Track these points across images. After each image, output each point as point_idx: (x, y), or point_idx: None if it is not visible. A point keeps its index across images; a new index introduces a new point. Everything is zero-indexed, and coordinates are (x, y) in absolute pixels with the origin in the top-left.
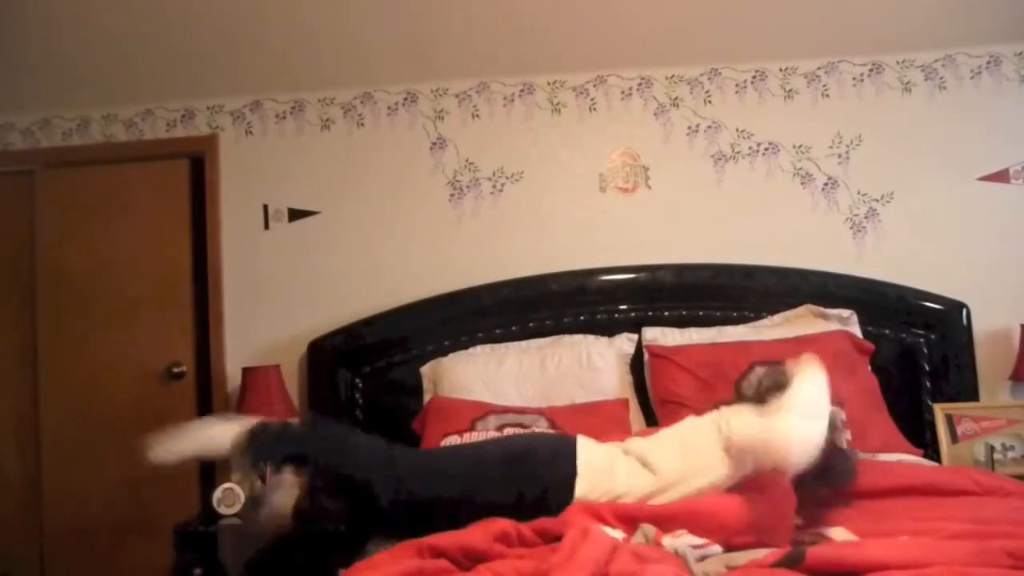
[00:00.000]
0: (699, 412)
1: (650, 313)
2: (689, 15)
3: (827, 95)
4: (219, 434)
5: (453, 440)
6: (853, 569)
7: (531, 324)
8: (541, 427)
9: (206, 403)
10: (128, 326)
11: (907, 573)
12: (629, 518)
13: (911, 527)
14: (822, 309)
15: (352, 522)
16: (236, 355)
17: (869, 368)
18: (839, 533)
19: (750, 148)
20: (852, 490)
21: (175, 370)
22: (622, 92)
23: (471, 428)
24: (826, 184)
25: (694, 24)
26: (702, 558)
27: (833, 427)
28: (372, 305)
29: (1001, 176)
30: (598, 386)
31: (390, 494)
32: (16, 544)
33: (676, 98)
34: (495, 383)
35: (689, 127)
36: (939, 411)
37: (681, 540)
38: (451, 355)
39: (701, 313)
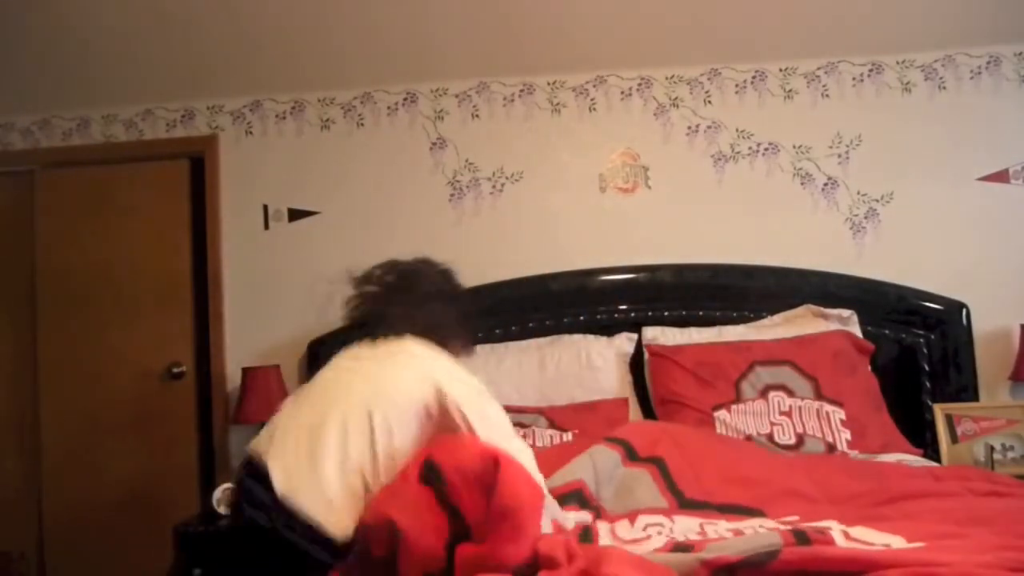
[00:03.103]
0: (695, 410)
1: (650, 313)
2: (689, 15)
3: (827, 95)
4: None
5: None
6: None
7: (531, 324)
8: (541, 426)
9: (206, 403)
10: (128, 326)
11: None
12: None
13: (911, 525)
14: (822, 309)
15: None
16: (236, 355)
17: (869, 368)
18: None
19: (750, 148)
20: None
21: (175, 370)
22: (622, 92)
23: None
24: (826, 184)
25: (694, 24)
26: None
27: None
28: None
29: (1001, 176)
30: (598, 385)
31: None
32: (16, 544)
33: (676, 98)
34: (494, 382)
35: (689, 127)
36: (939, 411)
37: None
38: None
39: (701, 313)
